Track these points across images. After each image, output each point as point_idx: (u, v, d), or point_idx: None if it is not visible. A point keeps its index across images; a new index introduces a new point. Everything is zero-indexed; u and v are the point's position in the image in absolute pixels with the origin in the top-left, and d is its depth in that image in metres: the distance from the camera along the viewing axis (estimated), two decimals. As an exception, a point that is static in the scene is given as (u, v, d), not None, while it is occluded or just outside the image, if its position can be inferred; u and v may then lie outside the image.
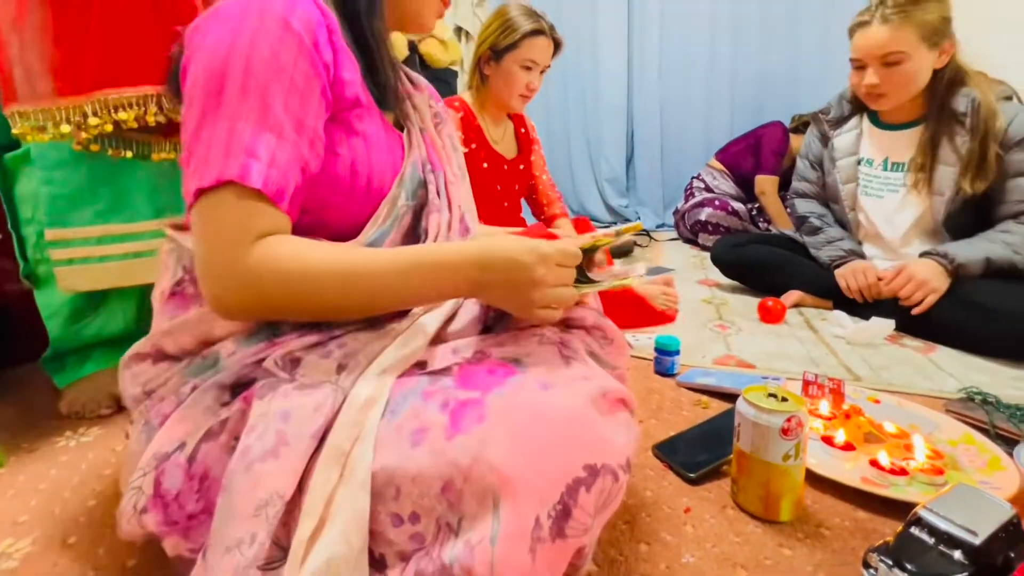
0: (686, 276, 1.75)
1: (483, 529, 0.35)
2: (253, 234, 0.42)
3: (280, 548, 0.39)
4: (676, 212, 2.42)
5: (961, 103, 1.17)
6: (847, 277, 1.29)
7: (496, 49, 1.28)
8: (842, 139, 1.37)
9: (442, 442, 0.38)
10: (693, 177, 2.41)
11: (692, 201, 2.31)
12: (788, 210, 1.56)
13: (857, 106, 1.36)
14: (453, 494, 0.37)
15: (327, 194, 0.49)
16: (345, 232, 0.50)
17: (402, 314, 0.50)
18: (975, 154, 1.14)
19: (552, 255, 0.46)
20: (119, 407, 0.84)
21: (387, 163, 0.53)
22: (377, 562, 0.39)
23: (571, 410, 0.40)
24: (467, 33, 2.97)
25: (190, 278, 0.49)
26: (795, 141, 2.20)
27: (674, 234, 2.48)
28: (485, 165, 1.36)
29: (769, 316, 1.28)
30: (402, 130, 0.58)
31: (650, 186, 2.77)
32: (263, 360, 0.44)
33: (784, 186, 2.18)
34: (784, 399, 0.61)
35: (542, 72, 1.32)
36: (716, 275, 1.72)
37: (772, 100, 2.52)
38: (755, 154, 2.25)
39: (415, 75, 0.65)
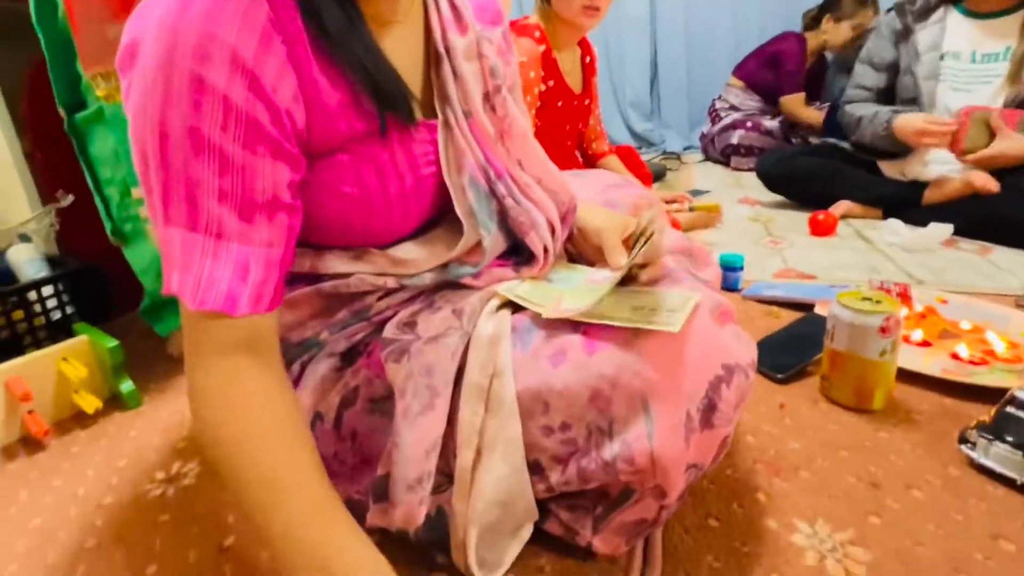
0: (725, 196, 1.74)
1: (637, 428, 0.39)
2: (201, 351, 0.36)
3: (442, 474, 0.44)
4: (703, 136, 2.35)
5: None
6: (909, 122, 1.22)
7: None
8: (926, 32, 1.29)
9: (583, 358, 0.41)
10: (715, 98, 2.30)
11: (721, 124, 2.23)
12: (839, 119, 1.50)
13: None
14: (602, 402, 0.40)
15: (344, 229, 0.44)
16: (393, 237, 0.46)
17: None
18: None
19: None
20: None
21: (410, 185, 0.44)
22: (533, 467, 0.44)
23: (697, 322, 0.43)
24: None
25: None
26: (811, 41, 2.09)
27: (701, 156, 2.42)
28: (560, 104, 1.26)
29: (820, 229, 1.28)
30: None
31: (675, 107, 2.66)
32: (361, 334, 0.47)
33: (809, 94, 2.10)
34: (878, 301, 0.63)
35: None
36: (755, 193, 1.71)
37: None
38: (773, 69, 2.14)
39: (461, 8, 0.48)
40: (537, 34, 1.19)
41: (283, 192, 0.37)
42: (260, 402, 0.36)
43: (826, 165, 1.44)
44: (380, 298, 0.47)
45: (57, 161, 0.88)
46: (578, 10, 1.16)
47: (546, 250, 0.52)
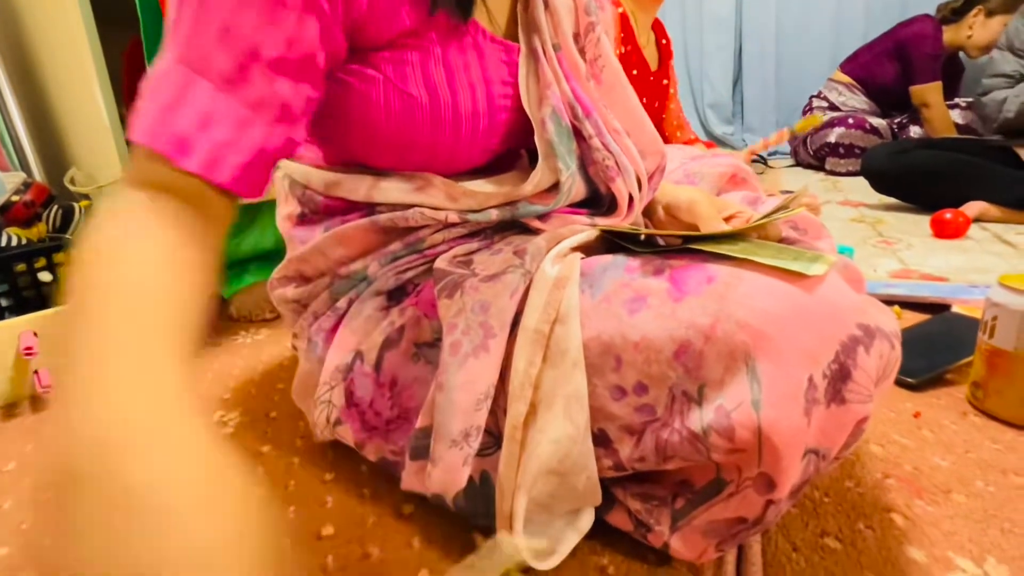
0: (821, 198, 1.55)
1: (739, 393, 0.30)
2: (126, 181, 0.29)
3: (490, 435, 0.38)
4: (794, 138, 2.14)
5: None
6: None
7: None
8: None
9: (669, 305, 0.33)
10: (812, 96, 2.09)
11: (816, 122, 2.02)
12: (978, 111, 1.29)
13: None
14: (691, 359, 0.32)
15: (408, 143, 0.39)
16: (458, 165, 0.41)
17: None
18: None
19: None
20: (278, 314, 0.89)
21: (483, 103, 0.39)
22: (598, 438, 0.36)
23: (827, 276, 0.33)
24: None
25: (310, 210, 0.46)
26: (949, 35, 1.80)
27: (791, 161, 2.22)
28: (635, 72, 1.20)
29: (947, 230, 1.09)
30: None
31: (761, 109, 2.48)
32: (412, 270, 0.43)
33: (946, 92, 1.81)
34: (1062, 286, 0.49)
35: None
36: (857, 196, 1.52)
37: (919, 1, 2.07)
38: (900, 59, 1.88)
39: None
40: None
41: (292, 57, 0.31)
42: (149, 250, 0.26)
43: (954, 160, 1.23)
44: (436, 231, 0.42)
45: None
46: None
47: (631, 201, 0.45)
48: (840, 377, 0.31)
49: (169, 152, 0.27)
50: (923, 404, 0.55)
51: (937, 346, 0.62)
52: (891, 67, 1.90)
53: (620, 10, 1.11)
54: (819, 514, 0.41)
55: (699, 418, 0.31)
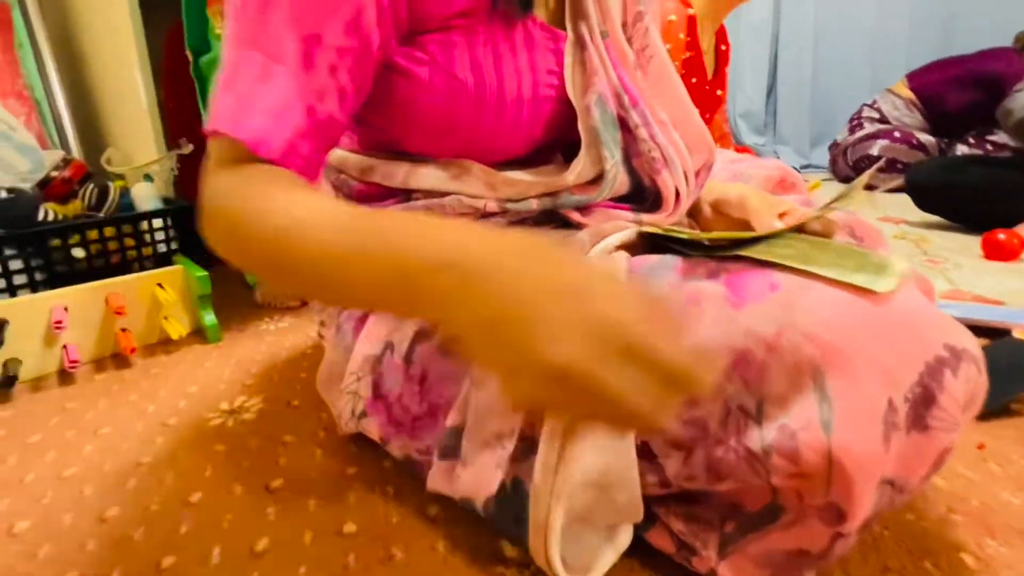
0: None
1: (805, 412, 0.27)
2: (214, 159, 0.32)
3: (524, 439, 0.35)
4: (835, 146, 2.06)
5: None
6: None
7: None
8: None
9: (727, 312, 0.30)
10: (865, 104, 1.98)
11: (861, 132, 1.94)
12: (1002, 117, 1.20)
13: None
14: (750, 371, 0.29)
15: (450, 127, 0.38)
16: (498, 152, 0.40)
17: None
18: None
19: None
20: (304, 302, 0.88)
21: (528, 90, 0.37)
22: (640, 452, 0.33)
23: (906, 288, 0.30)
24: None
25: (344, 195, 0.45)
26: None
27: (827, 174, 2.15)
28: (694, 80, 1.13)
29: (1000, 252, 1.03)
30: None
31: (794, 120, 2.41)
32: None
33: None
34: None
35: None
36: (896, 213, 1.45)
37: (968, 10, 1.99)
38: (983, 91, 1.68)
39: None
40: None
41: (351, 45, 0.32)
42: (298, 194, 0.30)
43: (1009, 178, 1.17)
44: (474, 220, 0.40)
45: (186, 113, 0.94)
46: None
47: (678, 195, 0.42)
48: (923, 402, 0.28)
49: (251, 144, 0.30)
50: (987, 436, 0.51)
51: (1000, 374, 0.57)
52: (960, 96, 1.75)
53: (690, 11, 1.06)
54: (879, 548, 0.38)
55: (759, 437, 0.29)
